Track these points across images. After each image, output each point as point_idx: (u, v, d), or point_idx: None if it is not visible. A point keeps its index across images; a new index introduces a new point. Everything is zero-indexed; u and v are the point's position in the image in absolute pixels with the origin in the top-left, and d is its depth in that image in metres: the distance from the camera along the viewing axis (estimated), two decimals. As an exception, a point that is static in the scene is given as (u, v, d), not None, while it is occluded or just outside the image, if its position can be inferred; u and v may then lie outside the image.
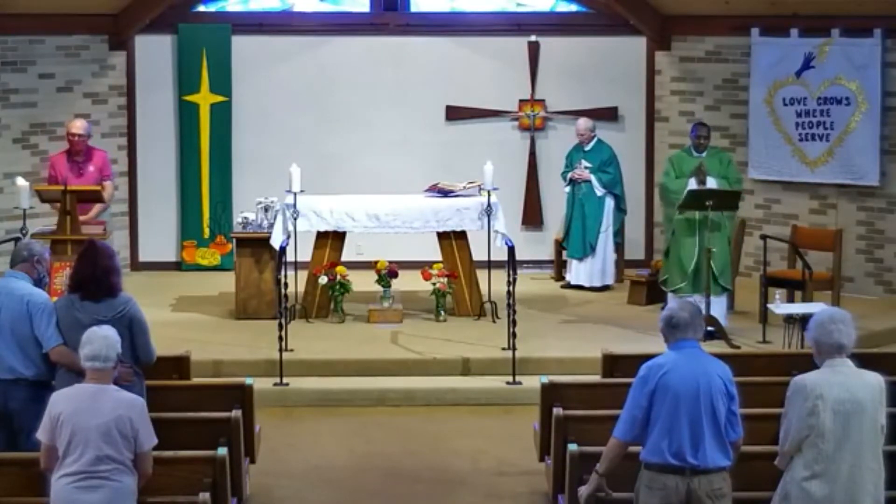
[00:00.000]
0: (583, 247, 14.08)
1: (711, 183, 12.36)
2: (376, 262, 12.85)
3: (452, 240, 12.96)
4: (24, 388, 8.06)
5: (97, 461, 6.79)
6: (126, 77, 14.86)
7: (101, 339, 6.98)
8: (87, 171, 13.00)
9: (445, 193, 13.15)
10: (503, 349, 11.55)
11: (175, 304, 13.50)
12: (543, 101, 15.14)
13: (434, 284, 12.71)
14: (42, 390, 7.95)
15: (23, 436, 7.96)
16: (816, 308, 10.15)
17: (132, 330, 7.89)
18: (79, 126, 13.03)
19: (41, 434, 6.97)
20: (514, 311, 11.32)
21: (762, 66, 14.30)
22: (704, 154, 12.65)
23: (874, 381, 6.74)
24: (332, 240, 12.91)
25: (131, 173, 14.97)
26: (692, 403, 6.73)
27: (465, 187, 13.20)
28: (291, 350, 11.56)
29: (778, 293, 12.16)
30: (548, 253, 15.04)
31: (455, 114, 15.13)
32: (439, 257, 12.98)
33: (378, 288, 12.84)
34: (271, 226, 12.71)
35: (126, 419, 6.84)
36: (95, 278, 7.90)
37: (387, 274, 12.78)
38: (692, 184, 12.35)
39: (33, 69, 14.19)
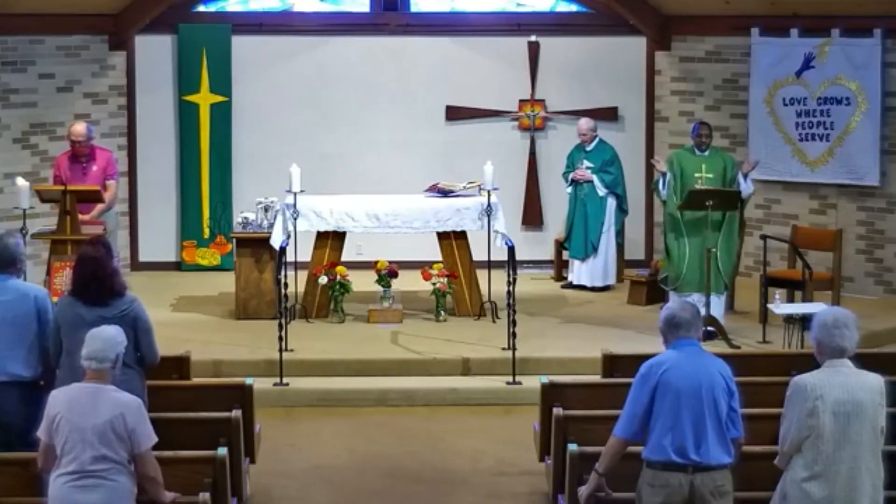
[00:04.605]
0: (584, 247, 14.08)
1: (747, 185, 12.39)
2: (376, 262, 12.85)
3: (452, 240, 12.96)
4: (19, 389, 8.03)
5: (94, 461, 6.77)
6: (126, 77, 14.87)
7: (102, 340, 6.95)
8: (90, 172, 12.98)
9: (445, 193, 13.15)
10: (503, 349, 11.55)
11: (175, 304, 13.50)
12: (543, 101, 15.14)
13: (434, 284, 12.71)
14: (36, 392, 7.96)
15: (15, 438, 7.93)
16: (816, 308, 10.15)
17: (136, 329, 7.87)
18: (79, 132, 12.95)
19: (41, 432, 6.96)
20: (514, 311, 11.31)
21: (762, 66, 14.30)
22: (706, 153, 12.65)
23: (874, 382, 6.73)
24: (332, 240, 12.92)
25: (131, 173, 14.97)
26: (694, 400, 6.74)
27: (465, 187, 13.20)
28: (291, 350, 11.55)
29: (778, 293, 12.16)
30: (548, 253, 15.03)
31: (455, 114, 15.13)
32: (439, 257, 12.98)
33: (378, 288, 12.84)
34: (271, 226, 12.71)
35: (121, 419, 6.81)
36: (97, 278, 7.89)
37: (387, 274, 12.78)
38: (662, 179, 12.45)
39: (33, 69, 14.19)
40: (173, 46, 14.91)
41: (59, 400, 6.93)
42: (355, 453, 10.12)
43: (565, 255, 14.52)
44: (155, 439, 6.99)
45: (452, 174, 14.02)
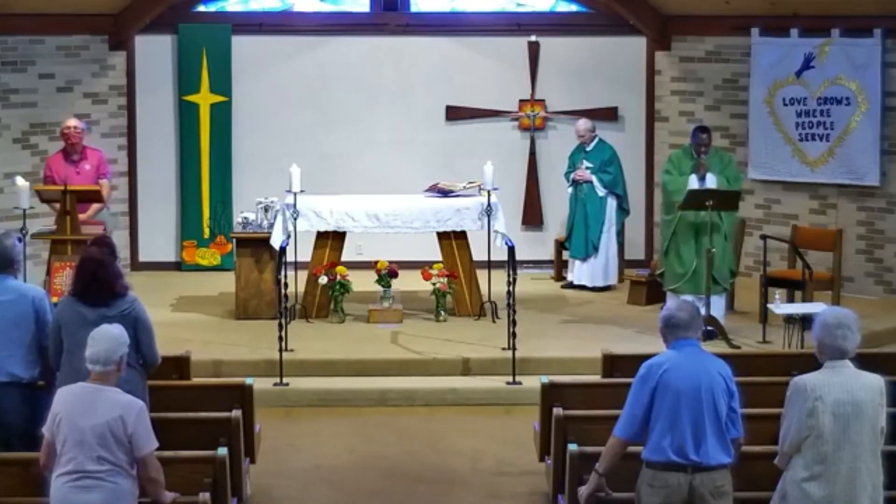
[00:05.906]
0: (585, 247, 14.08)
1: (711, 180, 12.33)
2: (376, 262, 12.85)
3: (452, 240, 12.96)
4: (19, 389, 8.03)
5: (91, 462, 6.74)
6: (126, 77, 14.87)
7: (107, 340, 6.91)
8: (83, 171, 13.01)
9: (445, 193, 13.15)
10: (503, 349, 11.55)
11: (175, 304, 13.50)
12: (543, 101, 15.14)
13: (434, 284, 12.71)
14: (35, 392, 7.95)
15: (15, 438, 7.93)
16: (816, 308, 10.15)
17: (136, 330, 7.86)
18: (73, 122, 13.10)
19: (45, 429, 6.95)
20: (514, 311, 11.31)
21: (762, 66, 14.30)
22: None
23: (874, 382, 6.73)
24: (332, 240, 12.92)
25: (131, 173, 14.97)
26: (693, 401, 6.74)
27: (465, 187, 13.20)
28: (291, 350, 11.56)
29: (778, 293, 12.15)
30: (548, 253, 15.03)
31: (455, 114, 15.13)
32: (439, 257, 12.98)
33: (378, 288, 12.84)
34: (271, 226, 12.71)
35: (120, 421, 6.78)
36: (98, 279, 7.88)
37: (387, 274, 12.78)
38: (693, 180, 12.34)
39: (33, 69, 14.20)
40: (173, 46, 14.91)
41: (61, 399, 6.91)
42: (355, 453, 10.12)
43: (565, 255, 14.53)
44: (156, 444, 6.92)
45: (452, 174, 14.03)
